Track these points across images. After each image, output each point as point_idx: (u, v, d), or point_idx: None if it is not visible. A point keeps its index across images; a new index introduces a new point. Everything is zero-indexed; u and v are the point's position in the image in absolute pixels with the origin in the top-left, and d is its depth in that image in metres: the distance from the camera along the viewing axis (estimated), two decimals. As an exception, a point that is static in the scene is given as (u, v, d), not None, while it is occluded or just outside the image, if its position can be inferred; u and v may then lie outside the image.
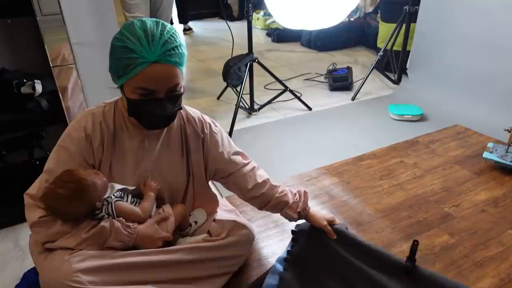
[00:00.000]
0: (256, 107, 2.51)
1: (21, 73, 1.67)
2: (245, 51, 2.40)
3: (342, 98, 2.77)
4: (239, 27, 3.50)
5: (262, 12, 4.85)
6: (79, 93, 1.62)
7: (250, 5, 2.22)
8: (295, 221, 1.23)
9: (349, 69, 3.00)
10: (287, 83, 2.62)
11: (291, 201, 1.19)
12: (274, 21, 4.47)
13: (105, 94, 1.09)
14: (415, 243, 1.07)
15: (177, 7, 4.42)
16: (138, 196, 1.09)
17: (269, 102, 2.56)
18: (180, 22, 4.68)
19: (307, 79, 3.16)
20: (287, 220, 1.23)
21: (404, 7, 2.74)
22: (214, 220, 1.24)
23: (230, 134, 2.17)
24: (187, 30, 4.68)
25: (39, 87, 1.63)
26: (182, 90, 0.99)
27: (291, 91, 2.57)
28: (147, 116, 0.98)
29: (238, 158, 1.19)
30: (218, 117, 2.43)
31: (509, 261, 1.29)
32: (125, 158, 1.05)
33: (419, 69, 2.79)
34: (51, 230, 0.95)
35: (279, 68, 3.39)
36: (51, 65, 1.51)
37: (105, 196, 0.99)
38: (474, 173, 1.78)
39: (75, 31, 1.53)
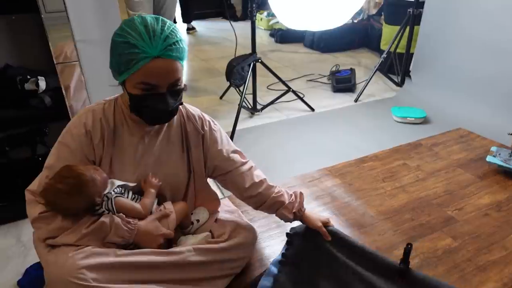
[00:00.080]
0: (258, 107, 2.51)
1: (25, 70, 1.67)
2: (248, 51, 2.40)
3: (345, 100, 2.76)
4: (242, 27, 3.51)
5: (265, 13, 4.85)
6: (83, 90, 1.62)
7: (254, 5, 2.22)
8: (290, 221, 1.24)
9: (352, 70, 2.99)
10: (290, 84, 2.62)
11: (287, 202, 1.20)
12: (277, 22, 4.47)
13: (108, 92, 1.09)
14: (409, 246, 1.09)
15: (180, 6, 4.43)
16: (139, 193, 1.09)
17: (272, 102, 2.56)
18: (184, 21, 4.69)
19: (310, 80, 3.15)
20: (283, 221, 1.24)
21: (408, 10, 2.73)
22: (216, 220, 1.24)
23: (232, 133, 2.17)
24: (190, 30, 4.69)
25: (42, 84, 1.63)
26: (182, 84, 1.00)
27: (294, 92, 2.57)
28: (150, 111, 0.98)
29: (236, 157, 1.19)
30: (220, 117, 2.43)
31: (512, 266, 1.28)
32: (126, 155, 1.06)
33: (422, 71, 2.79)
34: (52, 226, 0.95)
35: (282, 69, 3.39)
36: (55, 62, 1.51)
37: (105, 192, 0.99)
38: (478, 177, 1.77)
39: (79, 28, 1.53)
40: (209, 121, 1.18)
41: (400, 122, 2.39)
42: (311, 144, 2.14)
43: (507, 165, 1.74)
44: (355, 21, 4.08)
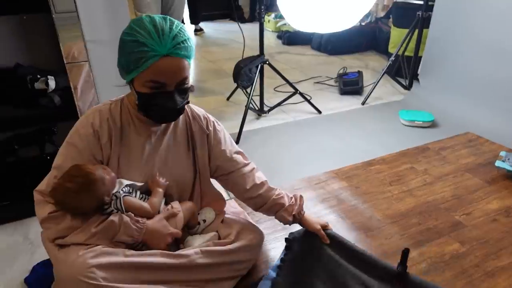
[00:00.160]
0: (265, 109, 2.51)
1: (35, 69, 1.69)
2: (256, 53, 2.40)
3: (352, 103, 2.75)
4: (249, 28, 3.51)
5: (273, 15, 4.86)
6: (92, 90, 1.63)
7: (262, 7, 2.22)
8: (289, 224, 1.24)
9: (359, 73, 2.98)
10: (297, 86, 2.61)
11: (287, 204, 1.20)
12: (285, 24, 4.47)
13: (117, 91, 1.10)
14: (406, 250, 1.09)
15: (188, 8, 4.45)
16: (146, 193, 1.09)
17: (279, 104, 2.56)
18: (192, 22, 4.71)
19: (317, 83, 3.15)
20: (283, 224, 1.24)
21: (417, 13, 2.72)
22: (222, 220, 1.24)
23: (239, 135, 2.17)
24: (198, 31, 4.71)
25: (52, 83, 1.64)
26: (189, 83, 1.01)
27: (301, 94, 2.57)
28: (158, 109, 0.99)
29: (239, 158, 1.20)
30: (227, 118, 2.43)
31: (521, 272, 1.27)
32: (133, 154, 1.06)
33: (431, 75, 2.77)
34: (61, 225, 0.96)
35: (289, 71, 3.39)
36: (65, 62, 1.53)
37: (114, 191, 1.00)
38: (486, 182, 1.75)
39: (89, 29, 1.54)
40: (213, 122, 1.19)
41: (407, 126, 2.37)
42: (318, 146, 2.14)
43: (516, 170, 1.72)
44: (363, 23, 4.07)
